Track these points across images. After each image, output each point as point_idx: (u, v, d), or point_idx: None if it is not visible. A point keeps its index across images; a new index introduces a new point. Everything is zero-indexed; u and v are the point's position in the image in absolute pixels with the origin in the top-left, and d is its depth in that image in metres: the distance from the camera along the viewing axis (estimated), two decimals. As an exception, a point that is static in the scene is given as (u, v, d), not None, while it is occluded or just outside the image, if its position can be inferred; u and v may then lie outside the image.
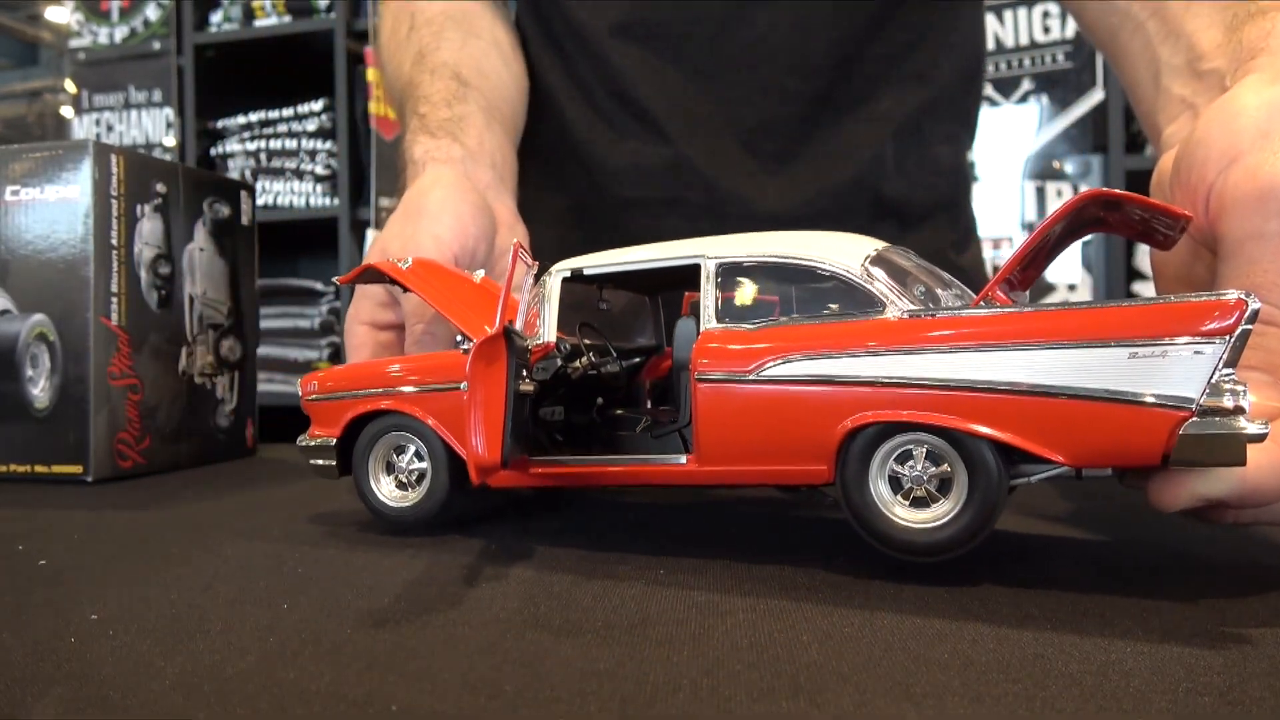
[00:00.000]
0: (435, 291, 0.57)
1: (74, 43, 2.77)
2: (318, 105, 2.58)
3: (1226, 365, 0.36)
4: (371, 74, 2.48)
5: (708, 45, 0.88)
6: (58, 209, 0.74)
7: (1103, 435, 0.38)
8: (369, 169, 2.49)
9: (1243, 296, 0.36)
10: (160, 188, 0.80)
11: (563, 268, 0.53)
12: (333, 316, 2.55)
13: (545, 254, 0.96)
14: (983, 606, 0.38)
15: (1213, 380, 0.36)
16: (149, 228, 0.79)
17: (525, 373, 0.47)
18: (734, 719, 0.27)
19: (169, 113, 2.67)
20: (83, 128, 2.73)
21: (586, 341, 0.55)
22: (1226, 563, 0.45)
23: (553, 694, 0.29)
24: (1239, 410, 0.36)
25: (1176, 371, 0.36)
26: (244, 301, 0.90)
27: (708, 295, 0.47)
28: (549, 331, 0.51)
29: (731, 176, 0.89)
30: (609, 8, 0.90)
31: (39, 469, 0.74)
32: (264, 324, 2.38)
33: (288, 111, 2.60)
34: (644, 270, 0.51)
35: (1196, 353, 0.36)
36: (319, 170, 2.57)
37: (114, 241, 0.75)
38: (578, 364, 0.53)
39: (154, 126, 2.69)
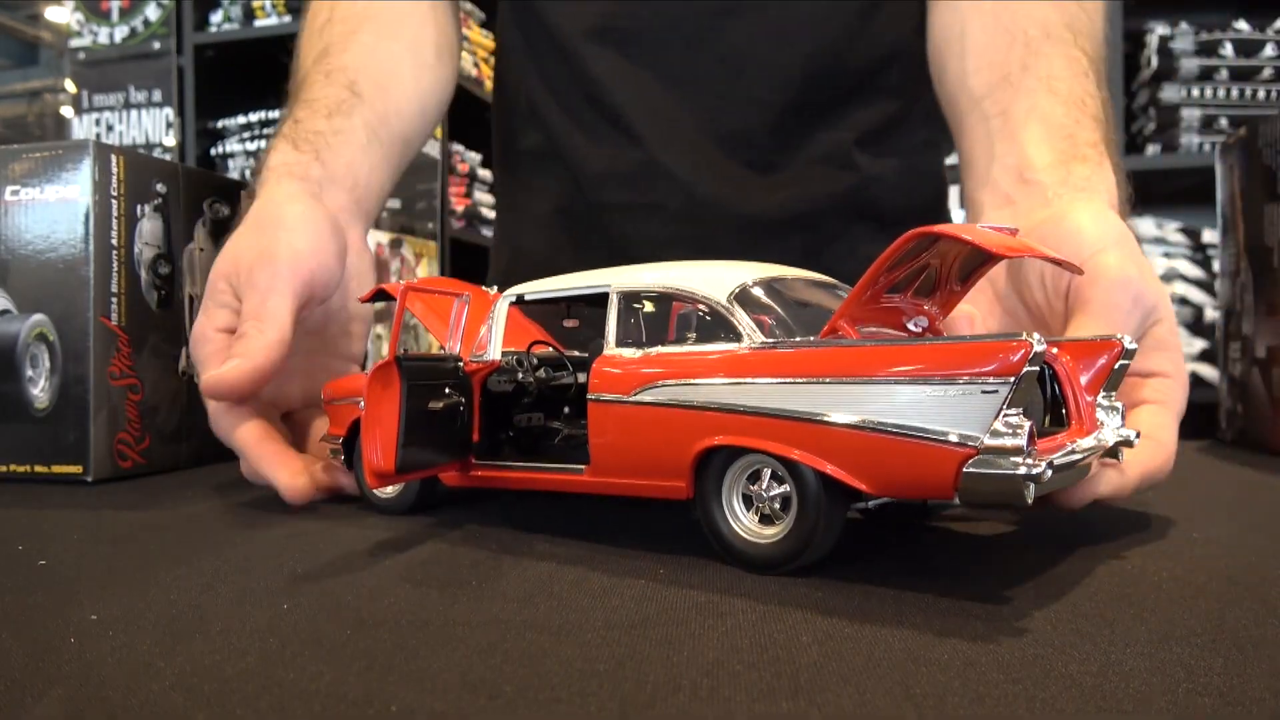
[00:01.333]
0: (425, 314, 0.63)
1: (74, 43, 2.77)
2: (318, 105, 2.57)
3: (1012, 405, 0.37)
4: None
5: (683, 54, 0.88)
6: (58, 209, 0.74)
7: (903, 468, 0.39)
8: (369, 169, 2.48)
9: (1027, 338, 0.37)
10: (160, 188, 0.80)
11: (509, 294, 0.58)
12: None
13: (533, 256, 0.96)
14: (983, 606, 0.38)
15: (997, 420, 0.37)
16: (149, 228, 0.79)
17: (448, 389, 0.53)
18: (734, 719, 0.27)
19: (169, 113, 2.67)
20: (83, 128, 2.73)
21: (535, 358, 0.60)
22: (1226, 564, 0.45)
23: (553, 694, 0.29)
24: (1018, 450, 0.37)
25: (965, 410, 0.38)
26: (244, 301, 0.90)
27: (610, 320, 0.51)
28: (495, 350, 0.56)
29: (708, 182, 0.89)
30: (584, 13, 0.90)
31: (39, 469, 0.74)
32: (264, 324, 2.36)
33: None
34: (571, 296, 0.56)
35: (984, 392, 0.37)
36: (319, 170, 2.56)
37: (114, 241, 0.75)
38: (531, 378, 0.58)
39: (154, 126, 2.68)
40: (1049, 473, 0.37)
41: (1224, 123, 2.22)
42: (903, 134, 0.93)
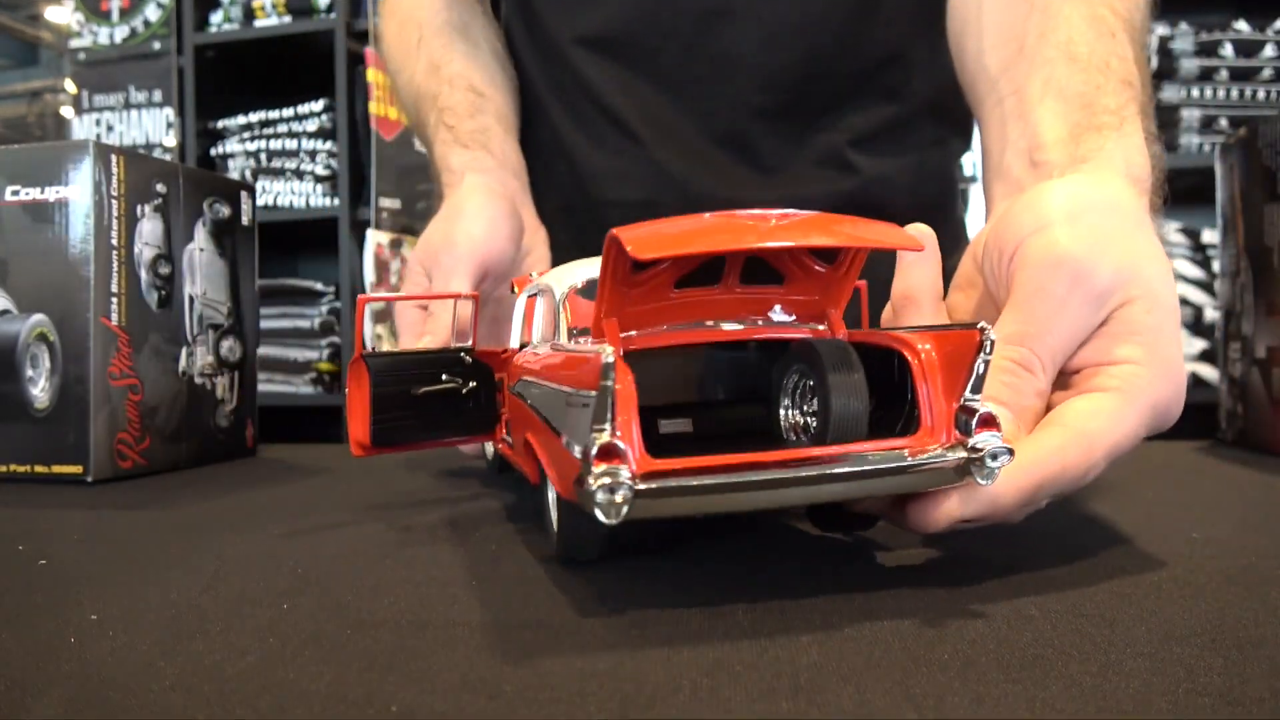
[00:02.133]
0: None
1: (74, 43, 2.77)
2: (318, 105, 2.57)
3: (605, 418, 0.34)
4: (372, 74, 2.48)
5: (677, 59, 0.90)
6: (58, 209, 0.74)
7: (565, 479, 0.38)
8: (369, 169, 2.49)
9: (600, 351, 0.34)
10: (160, 188, 0.80)
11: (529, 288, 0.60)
12: (332, 317, 2.55)
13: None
14: (983, 606, 0.38)
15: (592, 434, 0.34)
16: (149, 228, 0.79)
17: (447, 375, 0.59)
18: (734, 719, 0.27)
19: (169, 113, 2.67)
20: (83, 128, 2.73)
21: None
22: (1226, 564, 0.45)
23: (553, 694, 0.29)
24: (589, 468, 0.33)
25: (578, 422, 0.36)
26: (244, 302, 0.90)
27: (560, 316, 0.51)
28: (516, 339, 0.59)
29: (705, 182, 0.90)
30: (577, 21, 0.93)
31: (39, 469, 0.74)
32: (264, 324, 2.38)
33: (288, 112, 2.59)
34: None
35: (583, 405, 0.35)
36: (319, 170, 2.56)
37: (114, 241, 0.75)
38: None
39: (154, 126, 2.69)
40: (620, 496, 0.33)
41: (1224, 123, 2.22)
42: (906, 134, 0.93)
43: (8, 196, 0.75)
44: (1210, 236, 2.28)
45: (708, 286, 0.42)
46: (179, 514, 0.61)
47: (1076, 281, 0.47)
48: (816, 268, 0.43)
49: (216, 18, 2.61)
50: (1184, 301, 2.28)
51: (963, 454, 0.37)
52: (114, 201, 0.75)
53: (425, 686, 0.30)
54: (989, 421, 0.37)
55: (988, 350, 0.37)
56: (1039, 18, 0.62)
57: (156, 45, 2.64)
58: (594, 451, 0.33)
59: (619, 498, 0.33)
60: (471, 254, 0.76)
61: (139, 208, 0.78)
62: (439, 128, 0.89)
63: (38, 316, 0.74)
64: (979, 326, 0.37)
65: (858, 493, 0.38)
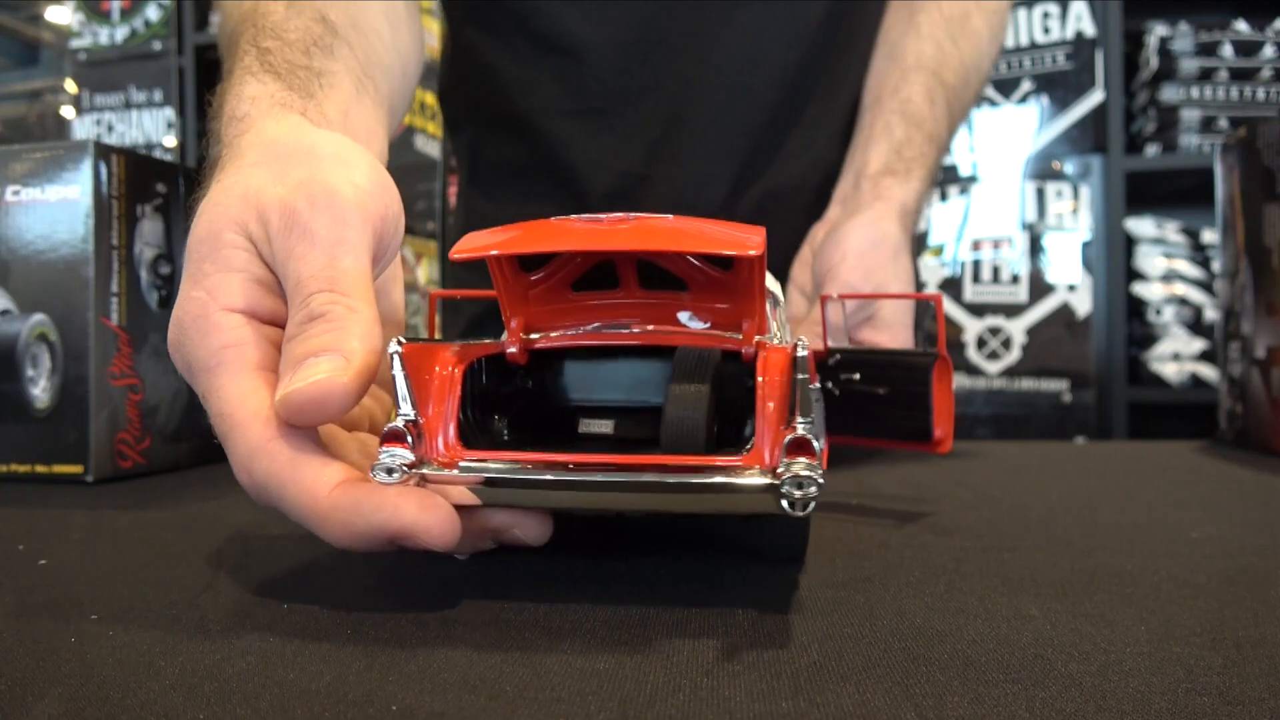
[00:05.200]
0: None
1: (74, 43, 2.77)
2: (318, 105, 2.56)
3: None
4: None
5: (661, 74, 0.92)
6: (58, 209, 0.74)
7: None
8: (369, 169, 2.47)
9: None
10: (160, 188, 0.80)
11: None
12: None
13: None
14: (982, 606, 0.38)
15: None
16: (149, 228, 0.79)
17: None
18: (734, 719, 0.27)
19: (169, 113, 2.67)
20: (83, 128, 2.73)
21: None
22: (1226, 564, 0.45)
23: (553, 694, 0.29)
24: None
25: None
26: (244, 302, 0.90)
27: None
28: None
29: (691, 184, 0.93)
30: (545, 90, 0.93)
31: (39, 469, 0.74)
32: (264, 324, 2.36)
33: (288, 112, 2.58)
34: None
35: None
36: (319, 170, 2.55)
37: (114, 241, 0.75)
38: None
39: (154, 126, 2.69)
40: (396, 478, 0.37)
41: (1224, 123, 2.22)
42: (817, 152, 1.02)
43: (8, 196, 0.75)
44: (1210, 236, 2.28)
45: (608, 291, 0.42)
46: (179, 514, 0.61)
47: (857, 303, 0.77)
48: (713, 274, 0.41)
49: (216, 18, 2.61)
50: (1184, 302, 2.28)
51: (771, 479, 0.34)
52: (114, 201, 0.75)
53: (425, 686, 0.30)
54: (800, 446, 0.34)
55: (799, 368, 0.34)
56: (895, 79, 0.90)
57: (157, 45, 2.64)
58: (381, 434, 0.37)
59: (394, 480, 0.36)
60: (365, 216, 0.43)
61: (139, 208, 0.78)
62: (248, 50, 0.55)
63: (38, 316, 0.74)
64: (793, 343, 0.35)
65: (656, 505, 0.37)
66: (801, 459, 0.34)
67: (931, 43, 0.91)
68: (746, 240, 0.36)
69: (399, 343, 0.37)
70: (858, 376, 0.59)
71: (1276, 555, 0.47)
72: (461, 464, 0.37)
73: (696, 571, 0.43)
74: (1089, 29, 2.29)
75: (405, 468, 0.36)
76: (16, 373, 0.74)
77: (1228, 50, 2.22)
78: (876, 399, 0.59)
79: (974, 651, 0.32)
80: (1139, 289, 2.30)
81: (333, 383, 0.37)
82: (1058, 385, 2.32)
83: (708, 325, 0.43)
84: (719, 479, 0.35)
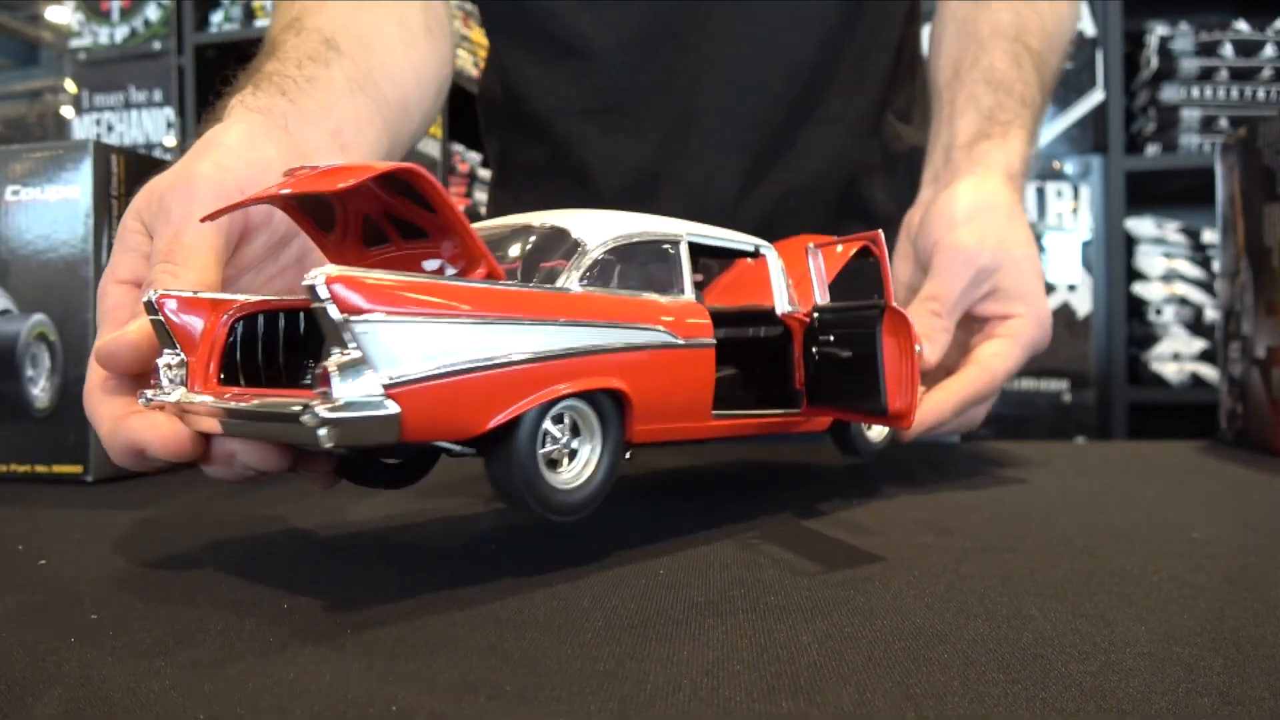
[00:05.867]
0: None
1: (74, 43, 2.77)
2: (318, 105, 2.56)
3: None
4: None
5: (671, 70, 0.92)
6: (58, 209, 0.74)
7: None
8: (369, 169, 2.48)
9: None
10: (160, 188, 0.80)
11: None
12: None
13: None
14: (982, 606, 0.38)
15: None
16: (149, 228, 0.79)
17: None
18: (734, 719, 0.27)
19: (169, 113, 2.67)
20: (83, 128, 2.73)
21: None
22: (1226, 564, 0.45)
23: (553, 694, 0.29)
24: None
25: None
26: (244, 301, 0.90)
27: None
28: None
29: (702, 180, 0.92)
30: (564, 93, 0.93)
31: (39, 469, 0.74)
32: (264, 324, 2.37)
33: (288, 111, 2.59)
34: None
35: None
36: (319, 170, 2.56)
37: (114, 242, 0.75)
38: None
39: (154, 126, 2.69)
40: (154, 404, 0.44)
41: (1224, 123, 2.22)
42: (889, 128, 0.99)
43: (8, 196, 0.75)
44: (1210, 236, 2.28)
45: (384, 245, 0.45)
46: (179, 514, 0.61)
47: (968, 264, 0.71)
48: (429, 218, 0.42)
49: (217, 17, 2.61)
50: (1184, 302, 2.28)
51: (298, 406, 0.35)
52: (114, 201, 0.75)
53: (425, 686, 0.30)
54: (323, 378, 0.35)
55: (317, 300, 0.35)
56: (974, 49, 0.86)
57: (157, 45, 2.64)
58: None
59: (144, 405, 0.44)
60: (219, 192, 0.50)
61: (139, 208, 0.78)
62: (248, 77, 0.66)
63: (38, 316, 0.74)
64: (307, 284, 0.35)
65: (251, 432, 0.41)
66: (323, 391, 0.35)
67: (1008, 11, 0.87)
68: (339, 176, 0.39)
69: (154, 294, 0.43)
70: (832, 339, 0.53)
71: (1276, 555, 0.47)
72: (210, 399, 0.41)
73: (696, 572, 0.43)
74: (1089, 29, 2.29)
75: (149, 397, 0.43)
76: (16, 373, 0.74)
77: (1228, 50, 2.22)
78: (839, 364, 0.53)
79: (974, 651, 0.32)
80: (1139, 289, 2.30)
81: (120, 339, 0.46)
82: (1058, 385, 2.32)
83: (449, 267, 0.44)
84: (270, 407, 0.39)
